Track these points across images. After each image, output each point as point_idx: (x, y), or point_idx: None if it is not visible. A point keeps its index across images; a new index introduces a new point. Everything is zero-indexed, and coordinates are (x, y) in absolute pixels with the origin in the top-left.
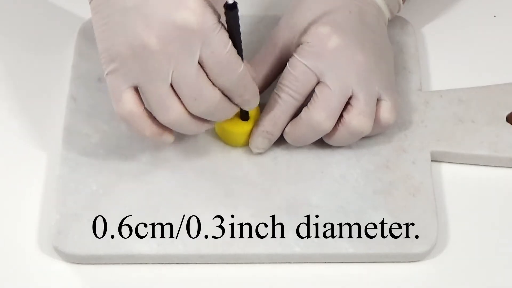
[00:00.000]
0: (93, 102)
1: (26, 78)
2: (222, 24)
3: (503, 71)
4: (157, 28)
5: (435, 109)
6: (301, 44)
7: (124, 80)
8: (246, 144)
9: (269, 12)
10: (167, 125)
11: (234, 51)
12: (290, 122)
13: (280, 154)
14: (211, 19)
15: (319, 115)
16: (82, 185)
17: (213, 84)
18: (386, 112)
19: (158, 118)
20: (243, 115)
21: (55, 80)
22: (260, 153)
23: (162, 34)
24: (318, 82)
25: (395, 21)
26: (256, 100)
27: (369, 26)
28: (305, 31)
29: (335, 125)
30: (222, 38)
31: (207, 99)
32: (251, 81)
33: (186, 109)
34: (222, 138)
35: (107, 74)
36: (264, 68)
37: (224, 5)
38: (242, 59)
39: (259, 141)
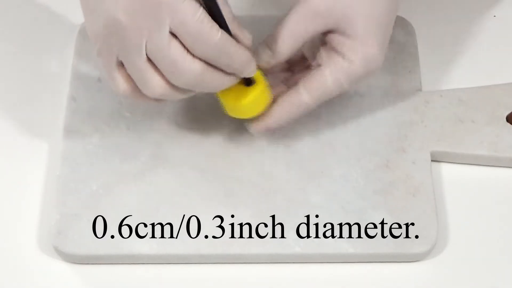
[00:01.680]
0: (93, 102)
1: (26, 78)
2: None
3: (503, 71)
4: (123, 2)
5: (435, 109)
6: (333, 50)
7: (109, 58)
8: (256, 113)
9: (269, 12)
10: (153, 98)
11: (206, 19)
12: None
13: (280, 154)
14: None
15: (305, 96)
16: (82, 185)
17: (193, 55)
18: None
19: (143, 92)
20: (246, 80)
21: (55, 80)
22: (254, 155)
23: (128, 8)
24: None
25: (395, 21)
26: (250, 66)
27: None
28: (338, 31)
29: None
30: (190, 7)
31: (185, 70)
32: (237, 47)
33: (168, 82)
34: (231, 113)
35: (96, 55)
36: (292, 45)
37: None
38: (226, 26)
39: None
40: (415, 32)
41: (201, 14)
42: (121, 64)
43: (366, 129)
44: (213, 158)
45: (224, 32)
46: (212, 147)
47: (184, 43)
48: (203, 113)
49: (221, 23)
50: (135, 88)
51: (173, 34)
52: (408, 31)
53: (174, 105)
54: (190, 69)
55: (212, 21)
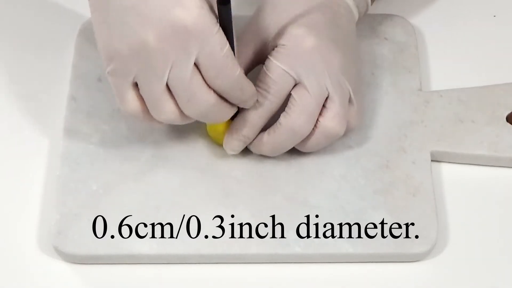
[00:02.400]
0: (93, 102)
1: (26, 78)
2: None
3: (503, 71)
4: (155, 26)
5: (435, 109)
6: (277, 46)
7: (124, 79)
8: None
9: None
10: (160, 121)
11: (231, 54)
12: (267, 131)
13: (280, 154)
14: (208, 19)
15: (300, 119)
16: (82, 185)
17: (209, 86)
18: (352, 117)
19: (152, 114)
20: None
21: (55, 80)
22: (254, 155)
23: (159, 32)
24: (295, 85)
25: (395, 21)
26: (253, 100)
27: (341, 27)
28: (280, 32)
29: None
30: (220, 40)
31: (201, 101)
32: (248, 82)
33: (180, 109)
34: (215, 140)
35: (108, 73)
36: None
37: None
38: (235, 55)
39: (234, 143)
40: (415, 32)
41: (227, 49)
42: (135, 85)
43: (366, 129)
44: (213, 158)
45: (241, 68)
46: (212, 147)
47: (205, 74)
48: None
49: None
50: (145, 110)
51: (195, 65)
52: (408, 31)
53: None
54: (205, 100)
55: (234, 56)
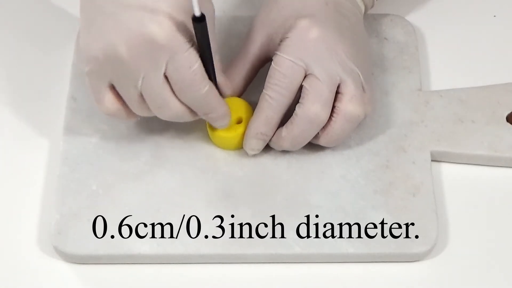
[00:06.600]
0: (93, 102)
1: (26, 78)
2: (194, 43)
3: (503, 71)
4: (128, 37)
5: (435, 109)
6: (282, 40)
7: (101, 80)
8: (240, 147)
9: None
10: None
11: (200, 72)
12: (285, 125)
13: (280, 154)
14: (179, 37)
15: (315, 107)
16: (82, 185)
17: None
18: (365, 103)
19: (134, 112)
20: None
21: (55, 80)
22: (255, 154)
23: (131, 44)
24: (305, 76)
25: (395, 21)
26: (224, 121)
27: (346, 17)
28: (284, 27)
29: (331, 117)
30: (189, 58)
31: (171, 109)
32: (218, 101)
33: None
34: (215, 142)
35: (86, 73)
36: (243, 69)
37: (192, 17)
38: (212, 73)
39: (253, 142)
40: (415, 32)
41: (197, 67)
42: (112, 86)
43: (366, 129)
44: (213, 158)
45: (212, 86)
46: (212, 147)
47: (173, 86)
48: None
49: (210, 74)
50: (122, 109)
51: (166, 76)
52: (408, 31)
53: None
54: (175, 108)
55: (205, 74)
